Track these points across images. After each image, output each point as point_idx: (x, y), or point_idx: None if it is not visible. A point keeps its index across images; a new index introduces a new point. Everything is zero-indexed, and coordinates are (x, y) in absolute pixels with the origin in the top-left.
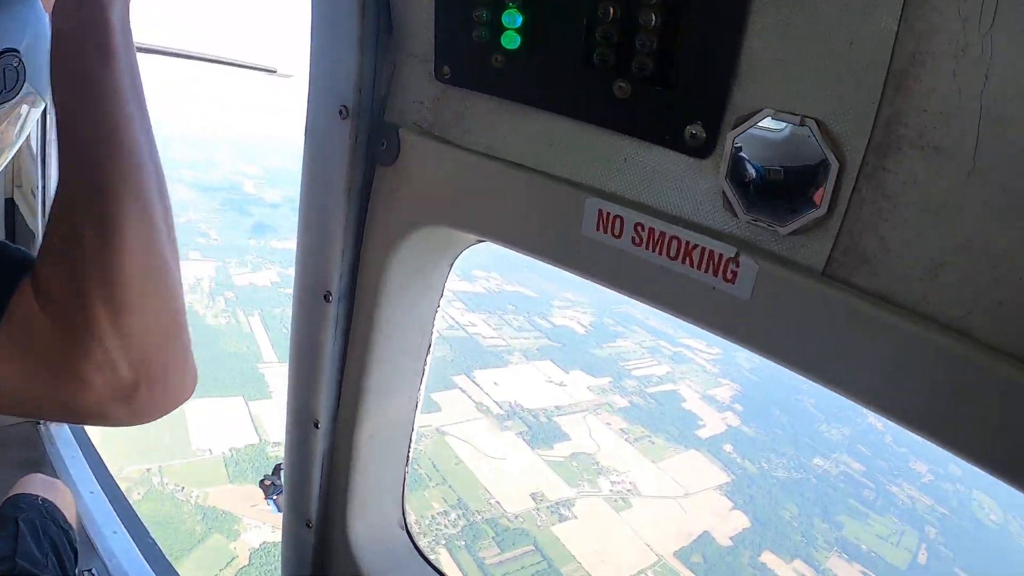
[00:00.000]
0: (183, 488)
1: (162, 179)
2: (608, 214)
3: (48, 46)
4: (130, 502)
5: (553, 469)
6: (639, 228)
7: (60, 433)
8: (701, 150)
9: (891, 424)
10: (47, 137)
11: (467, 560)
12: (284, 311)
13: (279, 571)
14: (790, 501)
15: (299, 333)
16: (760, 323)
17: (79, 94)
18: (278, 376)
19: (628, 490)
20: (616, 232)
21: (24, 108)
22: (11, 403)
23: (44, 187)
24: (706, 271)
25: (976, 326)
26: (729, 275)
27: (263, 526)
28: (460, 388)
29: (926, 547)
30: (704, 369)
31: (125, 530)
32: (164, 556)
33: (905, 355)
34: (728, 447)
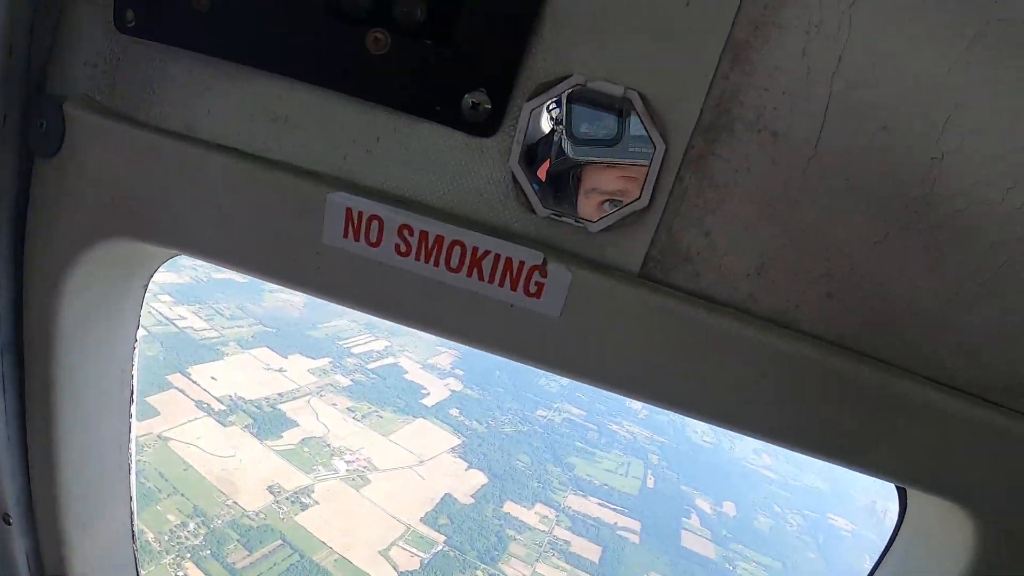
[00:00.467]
0: None
1: None
2: (360, 214)
3: None
4: None
5: (286, 458)
6: (405, 232)
7: None
8: (484, 126)
9: None
10: None
11: (216, 569)
12: None
13: None
14: (521, 452)
15: None
16: (571, 343)
17: None
18: None
19: (364, 467)
20: (372, 239)
21: None
22: None
23: None
24: (501, 285)
25: (803, 320)
26: (533, 287)
27: None
28: (176, 388)
29: (652, 473)
30: (422, 339)
31: None
32: None
33: (732, 358)
34: (455, 411)
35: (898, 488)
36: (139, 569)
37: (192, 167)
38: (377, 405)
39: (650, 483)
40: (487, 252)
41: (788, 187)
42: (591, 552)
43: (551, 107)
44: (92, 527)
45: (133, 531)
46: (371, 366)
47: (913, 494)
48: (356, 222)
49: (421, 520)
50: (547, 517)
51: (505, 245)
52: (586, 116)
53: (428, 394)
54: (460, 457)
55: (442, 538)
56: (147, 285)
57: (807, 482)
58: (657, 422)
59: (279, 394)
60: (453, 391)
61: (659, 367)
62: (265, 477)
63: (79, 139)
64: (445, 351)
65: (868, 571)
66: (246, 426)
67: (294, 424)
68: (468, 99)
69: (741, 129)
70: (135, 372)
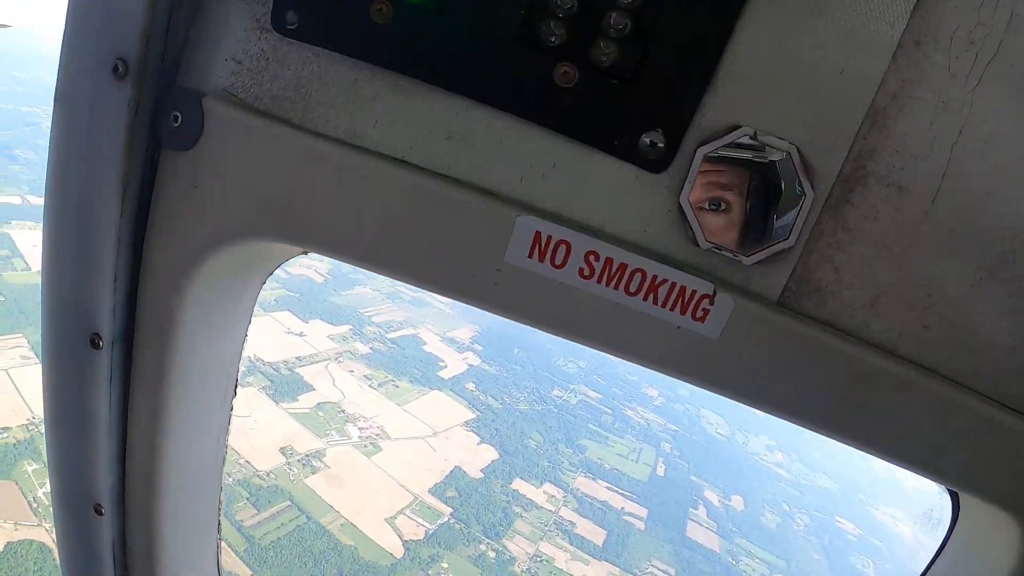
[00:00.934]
0: None
1: None
2: (549, 238)
3: None
4: None
5: (300, 421)
6: (591, 257)
7: None
8: (656, 163)
9: None
10: None
11: (224, 525)
12: None
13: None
14: (534, 431)
15: (58, 391)
16: (726, 362)
17: None
18: None
19: (377, 435)
20: (558, 261)
21: None
22: None
23: None
24: (672, 309)
25: (903, 346)
26: (700, 313)
27: (5, 525)
28: None
29: (663, 461)
30: (443, 312)
31: None
32: None
33: (849, 378)
34: (471, 385)
35: (952, 496)
36: (219, 558)
37: (356, 175)
38: (394, 374)
39: (660, 471)
40: (664, 280)
41: (905, 234)
42: (596, 535)
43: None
44: (181, 517)
45: (219, 520)
46: (391, 335)
47: (965, 501)
48: (543, 245)
49: (429, 491)
50: (555, 497)
51: (681, 275)
52: None
53: (445, 367)
54: (473, 431)
55: (449, 510)
56: (265, 281)
57: (818, 483)
58: (672, 411)
59: (297, 358)
60: (471, 365)
61: (794, 386)
62: (278, 439)
63: (218, 135)
64: (466, 325)
65: (920, 572)
66: (263, 387)
67: (311, 388)
68: (646, 137)
69: (873, 183)
70: (240, 366)
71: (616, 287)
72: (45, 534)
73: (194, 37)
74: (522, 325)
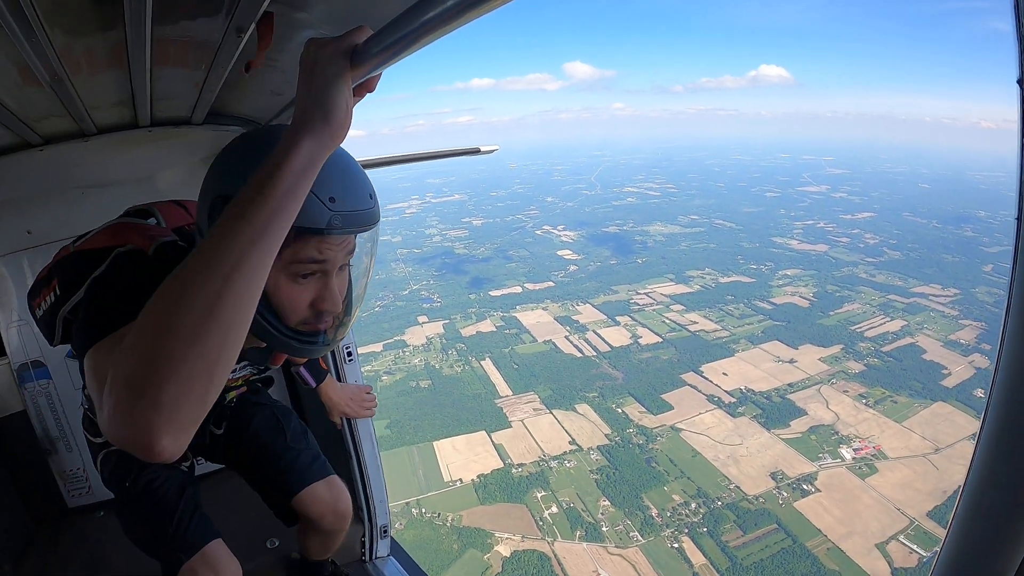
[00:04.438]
0: (439, 514)
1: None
2: None
3: None
4: None
5: (791, 446)
6: None
7: None
8: None
9: None
10: None
11: (710, 545)
12: (512, 350)
13: None
14: None
15: None
16: None
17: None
18: (514, 408)
19: (872, 455)
20: None
21: None
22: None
23: None
24: None
25: None
26: None
27: (514, 537)
28: (689, 385)
29: None
30: (943, 314)
31: None
32: None
33: None
34: (980, 391)
35: None
36: None
37: None
38: (891, 390)
39: None
40: None
41: None
42: None
43: None
44: None
45: None
46: (885, 349)
47: None
48: None
49: (928, 514)
50: None
51: None
52: None
53: (949, 374)
54: None
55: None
56: None
57: None
58: None
59: (788, 385)
60: (979, 368)
61: None
62: (768, 464)
63: None
64: (968, 323)
65: None
66: (754, 416)
67: (802, 413)
68: None
69: None
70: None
71: None
72: (546, 546)
73: None
74: None
